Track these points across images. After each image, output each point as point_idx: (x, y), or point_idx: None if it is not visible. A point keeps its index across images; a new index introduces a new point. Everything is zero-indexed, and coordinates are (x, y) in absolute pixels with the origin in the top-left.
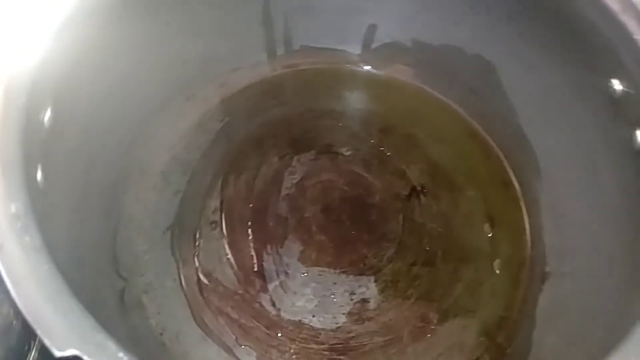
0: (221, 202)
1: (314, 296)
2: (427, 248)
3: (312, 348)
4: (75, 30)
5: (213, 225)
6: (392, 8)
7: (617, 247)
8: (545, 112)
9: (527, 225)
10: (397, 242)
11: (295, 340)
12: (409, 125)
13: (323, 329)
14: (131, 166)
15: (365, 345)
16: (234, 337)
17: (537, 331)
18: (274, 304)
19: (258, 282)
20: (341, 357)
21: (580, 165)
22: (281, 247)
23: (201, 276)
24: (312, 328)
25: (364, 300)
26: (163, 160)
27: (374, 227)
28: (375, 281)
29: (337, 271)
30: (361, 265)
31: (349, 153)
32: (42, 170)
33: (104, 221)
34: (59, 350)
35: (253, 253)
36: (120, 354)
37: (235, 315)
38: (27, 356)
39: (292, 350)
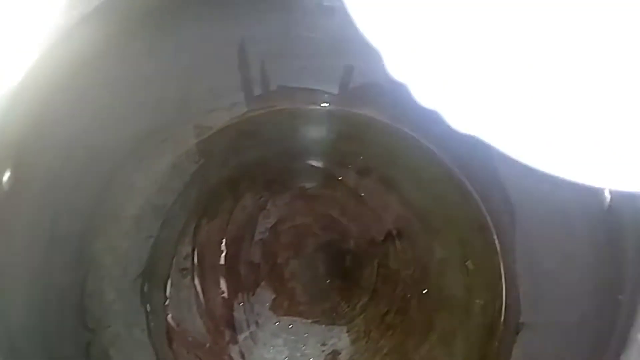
0: (193, 249)
1: (284, 347)
2: (402, 295)
3: None
4: (38, 82)
5: (184, 272)
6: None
7: (588, 301)
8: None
9: (502, 272)
10: (371, 289)
11: None
12: (386, 167)
13: None
14: (102, 213)
15: None
16: None
17: None
18: (243, 356)
19: (228, 333)
20: None
21: (553, 215)
22: (252, 295)
23: (171, 325)
24: None
25: (335, 352)
26: (136, 204)
27: (348, 274)
28: (347, 331)
29: (309, 321)
30: (334, 314)
31: (324, 195)
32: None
33: (71, 273)
34: None
35: (223, 302)
36: None
37: None
38: None
39: None
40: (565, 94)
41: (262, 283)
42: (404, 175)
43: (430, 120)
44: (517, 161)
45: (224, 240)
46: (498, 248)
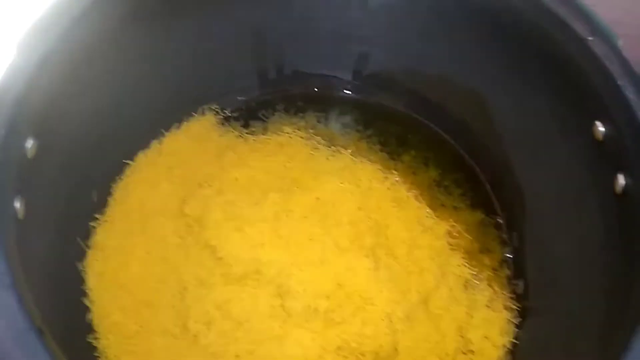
0: None
1: None
2: None
3: None
4: (61, 59)
5: None
6: (386, 37)
7: (599, 286)
8: (532, 148)
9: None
10: None
11: None
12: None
13: None
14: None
15: None
16: None
17: None
18: None
19: None
20: None
21: (565, 202)
22: None
23: None
24: None
25: None
26: None
27: None
28: None
29: None
30: None
31: None
32: (21, 203)
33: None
34: None
35: None
36: None
37: None
38: None
39: None
40: None
41: None
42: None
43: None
44: (527, 146)
45: None
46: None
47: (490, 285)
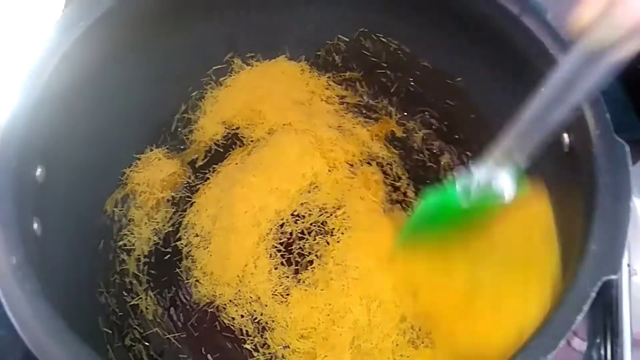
0: None
1: None
2: None
3: None
4: (55, 95)
5: None
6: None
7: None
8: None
9: None
10: None
11: None
12: None
13: None
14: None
15: None
16: None
17: None
18: None
19: None
20: None
21: None
22: None
23: None
24: None
25: None
26: None
27: None
28: None
29: None
30: None
31: None
32: (38, 222)
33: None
34: None
35: None
36: None
37: None
38: None
39: None
40: None
41: None
42: None
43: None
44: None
45: None
46: None
47: None
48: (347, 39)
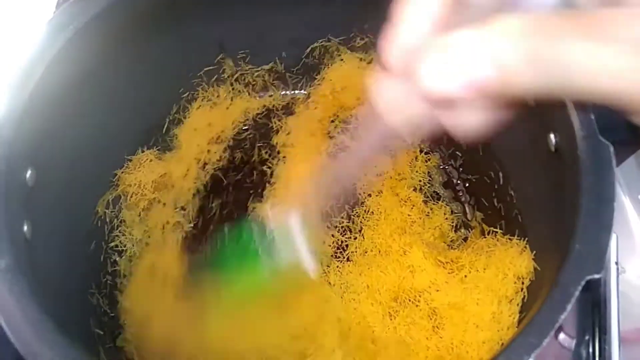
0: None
1: None
2: None
3: None
4: (45, 96)
5: None
6: None
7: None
8: None
9: None
10: None
11: None
12: None
13: None
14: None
15: None
16: None
17: None
18: None
19: None
20: None
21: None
22: None
23: None
24: None
25: None
26: None
27: None
28: None
29: None
30: None
31: None
32: (29, 225)
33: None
34: None
35: None
36: None
37: None
38: None
39: None
40: None
41: None
42: None
43: None
44: None
45: None
46: None
47: None
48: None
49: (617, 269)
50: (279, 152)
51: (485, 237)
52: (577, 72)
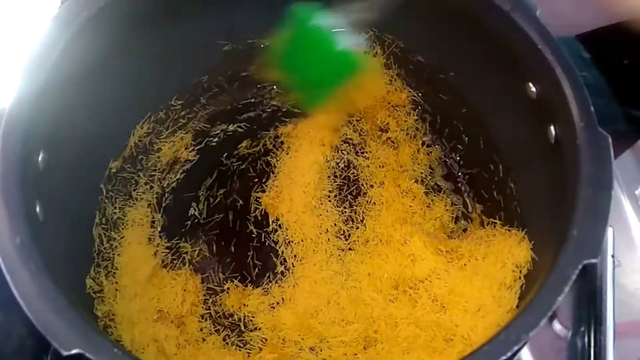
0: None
1: None
2: None
3: None
4: (59, 81)
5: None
6: None
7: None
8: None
9: None
10: None
11: None
12: None
13: None
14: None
15: None
16: None
17: None
18: None
19: None
20: None
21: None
22: None
23: None
24: None
25: None
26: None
27: None
28: None
29: None
30: None
31: None
32: (40, 206)
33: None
34: (66, 350)
35: None
36: (115, 350)
37: None
38: None
39: None
40: None
41: None
42: None
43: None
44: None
45: None
46: None
47: None
48: None
49: (613, 261)
50: (282, 143)
51: (484, 228)
52: None
